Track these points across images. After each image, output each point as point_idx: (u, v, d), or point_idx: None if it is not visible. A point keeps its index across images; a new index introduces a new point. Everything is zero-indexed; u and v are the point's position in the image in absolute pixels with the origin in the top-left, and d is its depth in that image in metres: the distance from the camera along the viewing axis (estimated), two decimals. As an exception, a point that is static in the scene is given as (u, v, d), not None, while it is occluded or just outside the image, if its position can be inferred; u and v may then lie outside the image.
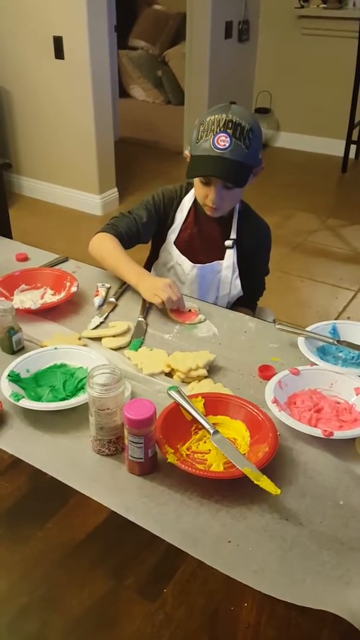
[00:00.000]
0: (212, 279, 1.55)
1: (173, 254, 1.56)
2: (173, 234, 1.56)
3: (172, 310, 1.37)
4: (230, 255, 1.53)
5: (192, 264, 1.54)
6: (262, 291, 1.72)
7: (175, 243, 1.56)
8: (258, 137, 1.38)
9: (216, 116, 1.35)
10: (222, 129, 1.34)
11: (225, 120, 1.34)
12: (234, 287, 1.56)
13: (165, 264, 1.58)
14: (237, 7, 4.36)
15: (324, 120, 4.67)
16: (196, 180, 1.46)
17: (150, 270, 1.62)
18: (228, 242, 1.52)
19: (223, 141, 1.34)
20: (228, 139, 1.33)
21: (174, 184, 1.59)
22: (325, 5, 4.40)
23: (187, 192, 1.55)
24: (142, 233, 1.52)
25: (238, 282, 1.56)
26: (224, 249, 1.53)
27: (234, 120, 1.34)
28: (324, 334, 1.24)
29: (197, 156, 1.39)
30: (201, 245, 1.55)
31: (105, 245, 1.45)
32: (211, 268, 1.54)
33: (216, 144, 1.34)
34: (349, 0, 4.36)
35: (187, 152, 1.45)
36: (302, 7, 4.47)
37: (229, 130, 1.33)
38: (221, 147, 1.34)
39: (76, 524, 0.86)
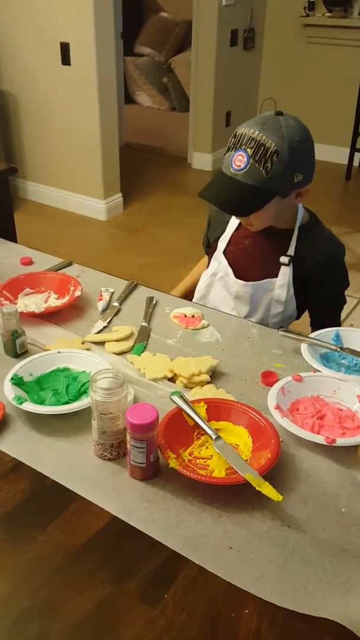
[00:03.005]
0: (262, 297, 1.43)
1: (222, 264, 1.48)
2: (223, 242, 1.48)
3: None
4: (286, 273, 1.40)
5: (237, 280, 1.44)
6: (343, 305, 1.51)
7: (225, 253, 1.48)
8: (288, 161, 1.23)
9: (246, 130, 1.25)
10: (242, 147, 1.24)
11: (250, 137, 1.23)
12: (289, 306, 1.44)
13: (215, 273, 1.50)
14: (242, 15, 4.38)
15: (329, 128, 4.68)
16: None
17: (200, 279, 1.56)
18: (284, 259, 1.39)
19: (240, 161, 1.24)
20: (245, 159, 1.23)
21: None
22: (330, 14, 4.42)
23: None
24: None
25: (293, 300, 1.43)
26: (279, 265, 1.40)
27: (259, 139, 1.22)
28: (327, 340, 1.24)
29: (218, 172, 1.31)
30: (254, 260, 1.44)
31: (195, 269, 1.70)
32: (260, 286, 1.42)
33: (233, 162, 1.25)
34: (354, 9, 4.38)
35: None
36: (308, 15, 4.49)
37: (249, 150, 1.23)
38: (236, 167, 1.25)
39: (78, 528, 0.86)
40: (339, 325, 1.51)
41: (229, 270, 1.46)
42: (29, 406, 1.04)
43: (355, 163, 4.50)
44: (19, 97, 3.75)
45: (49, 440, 1.02)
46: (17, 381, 1.10)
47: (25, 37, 3.52)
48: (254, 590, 0.77)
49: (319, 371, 1.15)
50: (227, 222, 1.50)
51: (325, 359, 1.22)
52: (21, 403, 1.04)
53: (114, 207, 3.83)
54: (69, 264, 1.60)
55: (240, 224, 1.46)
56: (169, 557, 0.82)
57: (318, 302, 1.48)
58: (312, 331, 1.44)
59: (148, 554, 0.82)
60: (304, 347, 1.21)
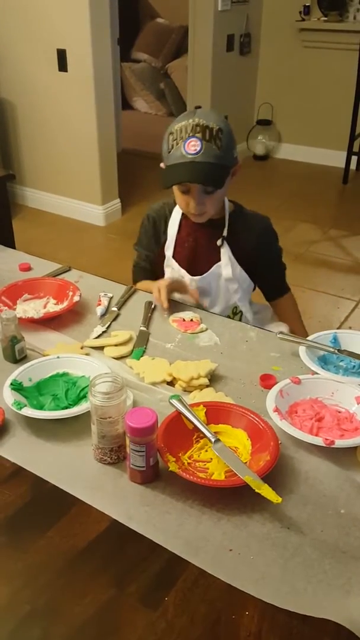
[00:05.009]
0: (216, 283, 1.54)
1: (175, 268, 1.57)
2: (169, 250, 1.57)
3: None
4: (225, 253, 1.51)
5: (191, 276, 1.53)
6: (287, 290, 1.65)
7: (174, 257, 1.56)
8: (229, 136, 1.36)
9: (183, 123, 1.35)
10: (190, 134, 1.33)
11: (193, 124, 1.33)
12: (243, 280, 1.54)
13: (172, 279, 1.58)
14: (238, 21, 4.40)
15: (325, 132, 4.70)
16: (176, 191, 1.45)
17: None
18: (218, 241, 1.51)
19: (194, 145, 1.33)
20: (198, 142, 1.32)
21: (158, 201, 1.62)
22: (326, 19, 4.44)
23: (174, 206, 1.55)
24: (155, 265, 1.63)
25: (244, 274, 1.54)
26: (219, 249, 1.52)
27: (201, 124, 1.33)
28: (325, 343, 1.24)
29: (170, 165, 1.38)
30: (201, 255, 1.54)
31: (142, 286, 1.58)
32: (211, 275, 1.53)
33: (187, 149, 1.33)
34: (350, 14, 4.41)
35: (162, 165, 1.43)
36: (303, 20, 4.51)
37: (197, 135, 1.32)
38: (192, 152, 1.33)
39: (78, 532, 0.86)
40: (287, 288, 1.64)
41: (182, 271, 1.54)
42: (29, 411, 1.04)
43: (352, 166, 4.51)
44: (16, 104, 3.77)
45: (49, 445, 1.02)
46: (17, 386, 1.10)
47: (21, 44, 3.53)
48: (255, 592, 0.77)
49: (317, 373, 1.15)
50: (166, 230, 1.57)
51: (323, 362, 1.22)
52: (20, 408, 1.04)
53: (112, 212, 3.84)
54: (68, 270, 1.60)
55: (180, 226, 1.55)
56: (170, 560, 0.82)
57: (265, 272, 1.59)
58: (269, 302, 1.62)
59: (148, 557, 0.82)
60: (302, 350, 1.21)
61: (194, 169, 1.34)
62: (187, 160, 1.34)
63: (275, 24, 4.62)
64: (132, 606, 0.76)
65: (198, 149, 1.32)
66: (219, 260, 1.53)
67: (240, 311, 1.58)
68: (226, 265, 1.52)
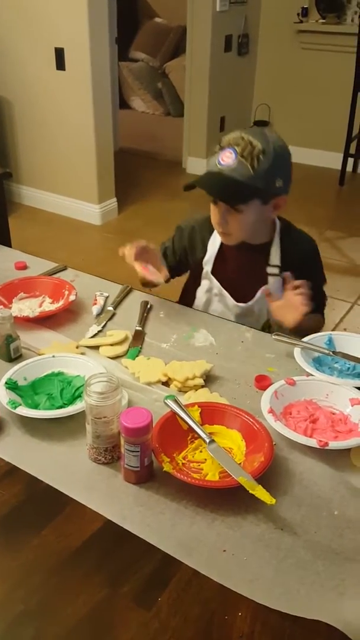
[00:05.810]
0: (260, 308, 1.47)
1: (214, 284, 1.50)
2: (208, 264, 1.50)
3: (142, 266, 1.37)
4: (276, 281, 1.43)
5: (237, 303, 1.46)
6: (324, 301, 1.56)
7: (214, 274, 1.49)
8: (273, 162, 1.27)
9: (232, 135, 1.30)
10: (229, 146, 1.28)
11: (237, 137, 1.28)
12: None
13: (210, 289, 1.51)
14: (237, 21, 4.40)
15: (322, 134, 4.71)
16: (211, 205, 1.40)
17: (194, 295, 1.55)
18: (272, 270, 1.43)
19: (227, 157, 1.27)
20: (233, 155, 1.27)
21: (202, 213, 1.52)
22: (324, 21, 4.45)
23: None
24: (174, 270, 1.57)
25: None
26: (266, 275, 1.44)
27: (246, 138, 1.27)
28: (319, 344, 1.25)
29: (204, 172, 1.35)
30: (244, 278, 1.47)
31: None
32: (258, 300, 1.45)
33: (220, 159, 1.29)
34: (347, 16, 4.42)
35: None
36: (301, 22, 4.52)
37: (236, 148, 1.27)
38: (223, 163, 1.28)
39: (72, 532, 0.86)
40: (321, 312, 1.54)
41: (224, 292, 1.48)
42: (23, 410, 1.04)
43: (349, 168, 4.53)
44: (13, 102, 3.76)
45: (44, 444, 1.02)
46: (11, 385, 1.10)
47: (20, 42, 3.53)
48: (248, 593, 0.78)
49: (312, 375, 1.16)
50: (206, 244, 1.51)
51: (318, 363, 1.22)
52: (15, 407, 1.04)
53: (109, 211, 3.84)
54: (64, 269, 1.60)
55: (222, 243, 1.47)
56: (163, 560, 0.82)
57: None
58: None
59: (142, 558, 0.82)
60: (297, 351, 1.21)
61: (214, 180, 1.30)
62: (216, 170, 1.29)
63: (274, 25, 4.63)
64: (125, 606, 0.76)
65: (229, 162, 1.27)
66: (264, 283, 1.45)
67: (270, 325, 1.51)
68: (275, 292, 1.43)
